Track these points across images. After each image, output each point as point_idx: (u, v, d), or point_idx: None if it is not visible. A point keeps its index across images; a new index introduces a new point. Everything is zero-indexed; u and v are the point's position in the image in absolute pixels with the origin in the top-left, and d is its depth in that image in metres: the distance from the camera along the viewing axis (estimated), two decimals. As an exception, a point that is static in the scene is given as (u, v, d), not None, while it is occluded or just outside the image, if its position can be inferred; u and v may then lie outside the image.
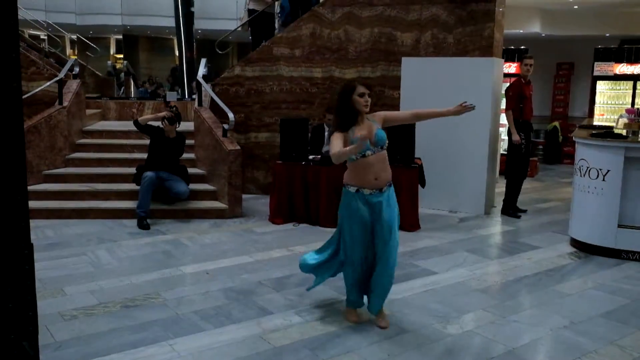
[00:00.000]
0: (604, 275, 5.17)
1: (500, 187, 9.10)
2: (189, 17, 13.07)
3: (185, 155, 7.30)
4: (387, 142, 3.80)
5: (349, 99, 3.65)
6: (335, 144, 3.60)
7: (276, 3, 8.97)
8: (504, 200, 7.48)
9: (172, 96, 6.99)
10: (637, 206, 5.58)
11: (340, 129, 3.67)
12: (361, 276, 3.97)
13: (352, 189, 3.77)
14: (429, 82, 7.38)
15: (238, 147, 7.21)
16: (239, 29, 9.34)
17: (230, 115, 7.46)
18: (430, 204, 7.35)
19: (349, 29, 8.00)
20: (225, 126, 7.41)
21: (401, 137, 6.48)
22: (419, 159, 6.83)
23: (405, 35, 7.77)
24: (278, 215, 6.79)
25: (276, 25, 8.91)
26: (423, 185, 6.79)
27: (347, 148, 3.51)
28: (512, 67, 10.88)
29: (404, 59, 7.67)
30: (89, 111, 9.26)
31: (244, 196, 7.50)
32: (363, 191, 3.74)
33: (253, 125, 8.45)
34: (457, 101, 3.87)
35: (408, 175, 6.51)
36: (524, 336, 3.87)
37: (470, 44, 7.44)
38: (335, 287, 4.70)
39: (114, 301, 4.37)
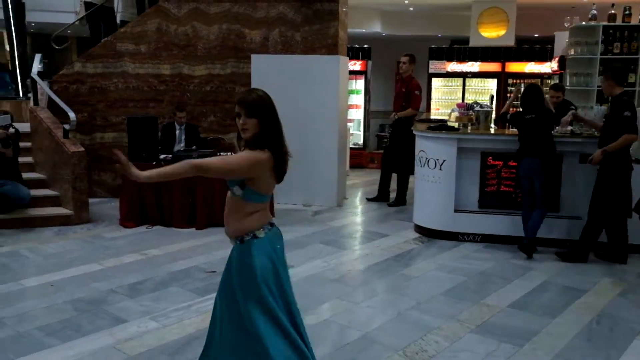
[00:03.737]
0: (444, 256, 5.64)
1: (351, 180, 9.55)
2: (19, 8, 11.94)
3: (20, 159, 6.73)
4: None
5: None
6: None
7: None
8: (397, 194, 7.82)
9: (3, 120, 6.38)
10: (469, 192, 6.16)
11: None
12: None
13: None
14: (279, 79, 7.47)
15: (82, 149, 6.78)
16: (77, 23, 8.75)
17: (71, 115, 7.00)
18: (285, 198, 7.48)
19: (196, 25, 7.86)
20: (66, 126, 6.94)
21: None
22: (273, 155, 6.91)
23: (254, 32, 7.82)
24: (129, 219, 6.50)
25: (117, 20, 8.47)
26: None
27: None
28: (357, 65, 11.37)
29: (254, 56, 7.71)
30: None
31: (91, 200, 7.09)
32: None
33: (98, 125, 7.98)
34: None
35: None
36: (376, 319, 4.10)
37: (317, 42, 7.68)
38: (192, 289, 4.63)
39: (-59, 325, 3.92)
